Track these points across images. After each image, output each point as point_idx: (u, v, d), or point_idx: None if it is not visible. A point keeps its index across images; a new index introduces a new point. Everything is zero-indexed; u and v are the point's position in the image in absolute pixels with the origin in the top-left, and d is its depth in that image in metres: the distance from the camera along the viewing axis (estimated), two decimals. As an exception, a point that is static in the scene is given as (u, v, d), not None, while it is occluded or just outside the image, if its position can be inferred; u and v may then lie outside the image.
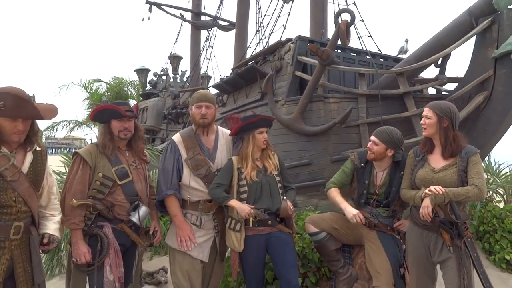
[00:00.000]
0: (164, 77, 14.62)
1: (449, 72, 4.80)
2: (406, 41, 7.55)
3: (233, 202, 2.63)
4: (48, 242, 2.24)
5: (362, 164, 2.84)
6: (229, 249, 2.84)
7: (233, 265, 2.75)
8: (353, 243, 3.04)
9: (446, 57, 4.38)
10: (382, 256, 2.69)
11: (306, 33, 7.88)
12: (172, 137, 2.88)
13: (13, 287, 2.11)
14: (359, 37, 6.78)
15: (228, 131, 3.02)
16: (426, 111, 2.46)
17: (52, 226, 2.31)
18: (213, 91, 8.19)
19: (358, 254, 3.04)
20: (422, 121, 2.48)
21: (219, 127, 3.00)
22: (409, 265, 2.59)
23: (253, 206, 2.62)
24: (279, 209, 2.67)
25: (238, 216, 2.63)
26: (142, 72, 16.41)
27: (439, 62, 4.47)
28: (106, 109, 2.59)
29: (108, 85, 16.90)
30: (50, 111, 2.12)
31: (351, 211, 2.71)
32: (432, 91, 5.58)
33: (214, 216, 2.81)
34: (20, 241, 2.12)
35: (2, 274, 2.04)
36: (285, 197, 2.72)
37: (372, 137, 2.77)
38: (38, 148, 2.24)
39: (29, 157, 2.19)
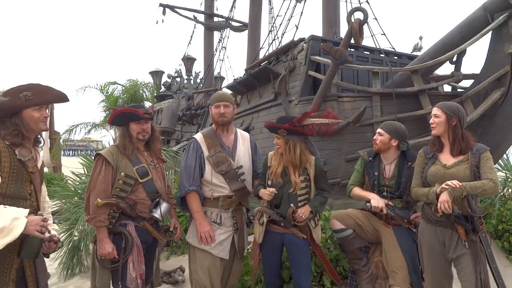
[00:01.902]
0: (178, 79, 14.75)
1: (465, 69, 4.76)
2: (420, 38, 7.48)
3: (261, 192, 2.76)
4: (56, 241, 2.22)
5: (371, 158, 2.94)
6: (250, 244, 2.95)
7: (254, 255, 2.88)
8: (373, 241, 3.04)
9: (461, 54, 4.33)
10: (398, 254, 2.69)
11: (319, 33, 7.88)
12: (194, 136, 2.96)
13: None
14: (372, 36, 6.78)
15: (246, 133, 3.13)
16: (435, 110, 2.53)
17: (52, 232, 2.26)
18: (227, 92, 8.24)
19: (374, 253, 3.04)
20: (431, 120, 2.55)
21: (238, 129, 3.09)
22: (424, 264, 2.58)
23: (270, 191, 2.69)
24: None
25: (256, 213, 2.76)
26: (157, 74, 16.60)
27: (455, 58, 4.43)
28: (125, 112, 2.72)
29: (123, 88, 17.18)
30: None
31: (378, 198, 2.76)
32: (447, 88, 5.52)
33: (234, 213, 2.87)
34: None
35: (15, 272, 2.06)
36: (292, 204, 2.69)
37: (378, 129, 2.90)
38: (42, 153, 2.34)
39: (41, 155, 2.30)
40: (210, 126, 3.04)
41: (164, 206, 2.72)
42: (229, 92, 7.79)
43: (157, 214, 2.67)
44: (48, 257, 2.30)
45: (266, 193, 2.68)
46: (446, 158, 2.49)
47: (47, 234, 2.05)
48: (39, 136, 2.28)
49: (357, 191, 2.95)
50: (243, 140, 3.03)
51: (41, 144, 2.31)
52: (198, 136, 2.91)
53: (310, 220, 2.75)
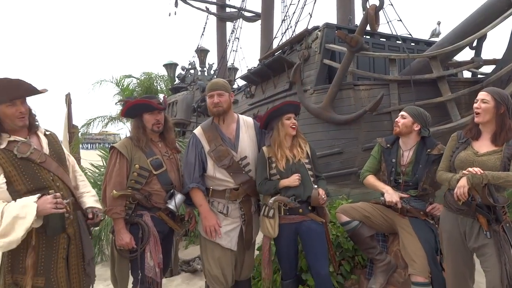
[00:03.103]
0: (192, 71, 14.78)
1: (486, 54, 4.62)
2: (439, 23, 7.30)
3: (284, 182, 2.69)
4: (93, 216, 2.33)
5: (388, 145, 2.88)
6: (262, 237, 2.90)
7: (264, 252, 2.82)
8: (386, 231, 3.02)
9: (482, 39, 4.22)
10: (416, 244, 2.65)
11: (333, 20, 7.76)
12: (193, 131, 2.93)
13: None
14: (388, 22, 6.64)
15: (250, 119, 3.05)
16: (484, 95, 2.36)
17: (89, 200, 2.41)
18: (242, 82, 8.23)
19: (393, 243, 3.02)
20: (477, 105, 2.36)
21: (240, 116, 3.01)
22: (445, 253, 2.53)
23: (297, 175, 2.68)
24: (310, 198, 2.69)
25: (271, 204, 2.68)
26: (171, 67, 16.67)
27: (475, 43, 4.32)
28: (138, 103, 2.73)
29: (138, 81, 17.32)
30: (40, 88, 2.21)
31: (392, 192, 2.72)
32: (467, 74, 5.39)
33: (241, 205, 2.83)
34: (72, 219, 2.26)
35: (64, 251, 2.21)
36: (316, 186, 2.72)
37: (401, 112, 2.83)
38: (47, 132, 2.35)
39: (44, 139, 2.28)
40: (210, 117, 2.95)
41: (178, 197, 2.73)
42: (242, 83, 7.79)
43: (171, 205, 2.69)
44: (96, 226, 2.51)
45: (296, 178, 2.66)
46: (480, 145, 2.37)
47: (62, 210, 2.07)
48: (33, 122, 2.22)
49: (371, 179, 2.91)
50: (246, 128, 2.93)
51: (39, 129, 2.27)
52: (198, 131, 2.87)
53: None
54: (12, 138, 2.11)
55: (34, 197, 2.01)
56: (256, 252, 3.23)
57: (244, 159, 2.82)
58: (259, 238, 3.03)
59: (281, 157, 2.71)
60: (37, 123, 2.27)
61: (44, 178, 2.16)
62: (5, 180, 2.04)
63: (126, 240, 2.55)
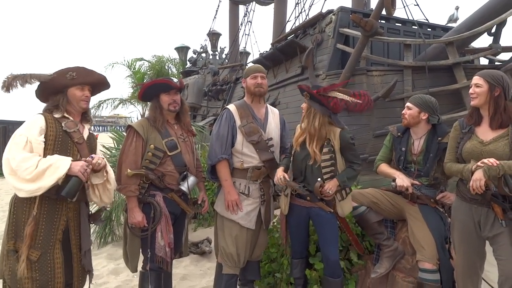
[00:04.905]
0: (203, 55, 14.72)
1: (504, 41, 4.49)
2: (457, 8, 7.13)
3: (279, 171, 2.73)
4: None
5: (399, 134, 2.87)
6: (276, 217, 3.00)
7: (282, 226, 2.94)
8: (394, 218, 3.02)
9: (501, 24, 4.08)
10: (425, 231, 2.65)
11: (348, 4, 7.61)
12: (226, 107, 3.00)
13: (66, 249, 2.37)
14: (404, 6, 6.48)
15: (276, 109, 3.18)
16: (476, 79, 2.33)
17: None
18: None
19: (402, 229, 3.02)
20: (471, 90, 2.34)
21: (267, 104, 3.14)
22: (456, 243, 2.50)
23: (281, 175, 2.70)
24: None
25: (281, 186, 2.76)
26: (182, 50, 16.60)
27: (493, 30, 4.19)
28: (156, 83, 2.77)
29: (150, 64, 17.34)
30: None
31: (403, 177, 2.70)
32: (484, 61, 5.26)
33: (261, 185, 2.92)
34: (74, 206, 2.38)
35: (61, 233, 2.32)
36: (319, 179, 2.61)
37: (406, 103, 2.81)
38: (90, 131, 2.57)
39: (87, 130, 2.51)
40: (241, 99, 3.08)
41: (191, 179, 2.78)
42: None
43: (184, 187, 2.74)
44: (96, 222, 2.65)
45: (279, 176, 2.66)
46: (484, 132, 2.33)
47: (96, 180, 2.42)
48: (87, 115, 2.55)
49: (384, 167, 2.91)
50: (273, 115, 3.07)
51: (89, 122, 2.56)
52: (231, 107, 2.95)
53: (336, 193, 2.65)
54: (66, 115, 2.41)
55: (70, 158, 2.25)
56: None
57: (270, 140, 2.92)
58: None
59: (299, 135, 2.74)
60: (90, 117, 2.61)
61: (72, 156, 2.32)
62: (44, 140, 2.27)
63: (138, 219, 2.61)
